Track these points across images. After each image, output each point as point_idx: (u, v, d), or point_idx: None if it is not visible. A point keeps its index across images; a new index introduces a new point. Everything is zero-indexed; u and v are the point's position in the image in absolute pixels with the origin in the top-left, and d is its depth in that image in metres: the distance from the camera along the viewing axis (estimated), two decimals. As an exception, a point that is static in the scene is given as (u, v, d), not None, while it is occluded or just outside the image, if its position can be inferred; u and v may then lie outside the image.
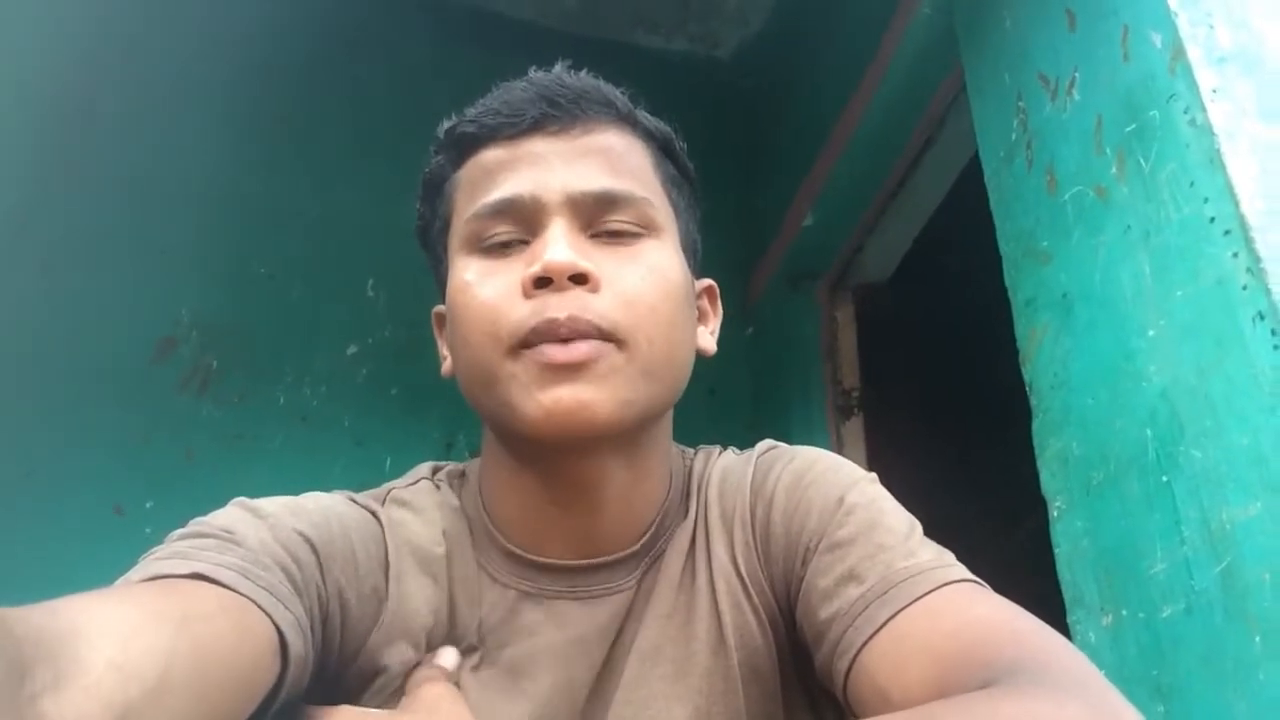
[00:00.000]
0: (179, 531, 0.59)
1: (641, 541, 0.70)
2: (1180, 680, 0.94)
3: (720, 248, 2.48)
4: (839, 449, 2.15)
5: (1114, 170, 1.14)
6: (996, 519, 2.09)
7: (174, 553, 0.56)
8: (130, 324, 2.09)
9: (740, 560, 0.69)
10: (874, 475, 0.71)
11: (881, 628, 0.58)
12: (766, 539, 0.68)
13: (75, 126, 2.16)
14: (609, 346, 0.62)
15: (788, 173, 2.31)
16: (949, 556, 0.63)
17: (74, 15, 2.18)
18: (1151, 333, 1.05)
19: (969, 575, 0.61)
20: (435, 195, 0.73)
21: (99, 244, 2.11)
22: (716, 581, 0.68)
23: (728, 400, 2.37)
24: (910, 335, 2.35)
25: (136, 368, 2.07)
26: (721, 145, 2.65)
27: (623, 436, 0.65)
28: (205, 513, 0.63)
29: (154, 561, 0.55)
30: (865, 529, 0.64)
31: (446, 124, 0.72)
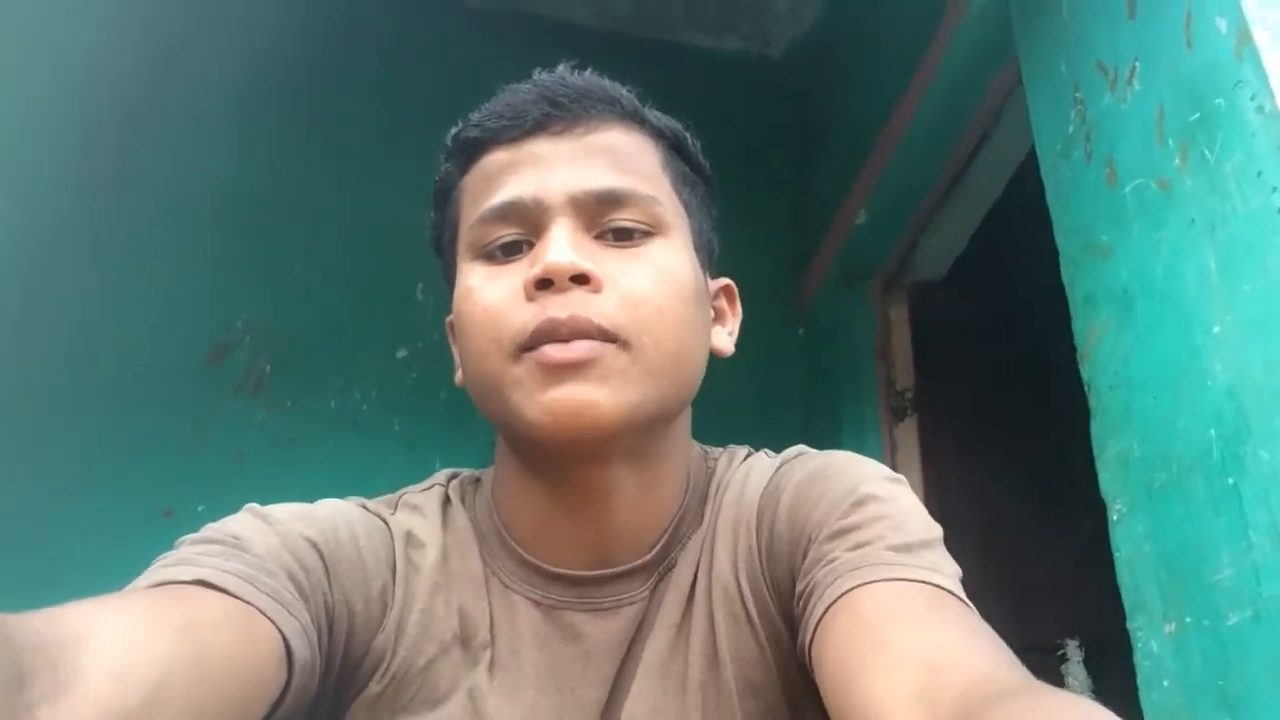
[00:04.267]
0: (191, 536, 0.59)
1: (654, 551, 0.68)
2: (1248, 690, 0.90)
3: (772, 247, 2.50)
4: (892, 451, 2.11)
5: (1177, 161, 1.10)
6: (1054, 522, 2.04)
7: (181, 559, 0.56)
8: (184, 329, 2.13)
9: (741, 568, 0.67)
10: (902, 478, 0.68)
11: (840, 598, 0.55)
12: (771, 540, 0.66)
13: (128, 133, 2.21)
14: (611, 347, 0.61)
15: (841, 170, 2.28)
16: (952, 571, 0.59)
17: (124, 23, 2.22)
18: (1217, 329, 1.01)
19: (962, 596, 0.57)
20: (444, 202, 0.73)
21: (153, 250, 2.15)
22: (714, 591, 0.66)
23: (778, 401, 2.35)
24: (966, 334, 2.31)
25: (190, 372, 2.11)
26: (773, 144, 2.64)
27: (631, 440, 0.64)
28: None
29: (162, 568, 0.55)
30: (872, 521, 0.61)
31: (453, 130, 0.72)
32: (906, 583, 0.56)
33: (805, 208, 2.52)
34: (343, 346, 2.23)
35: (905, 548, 0.58)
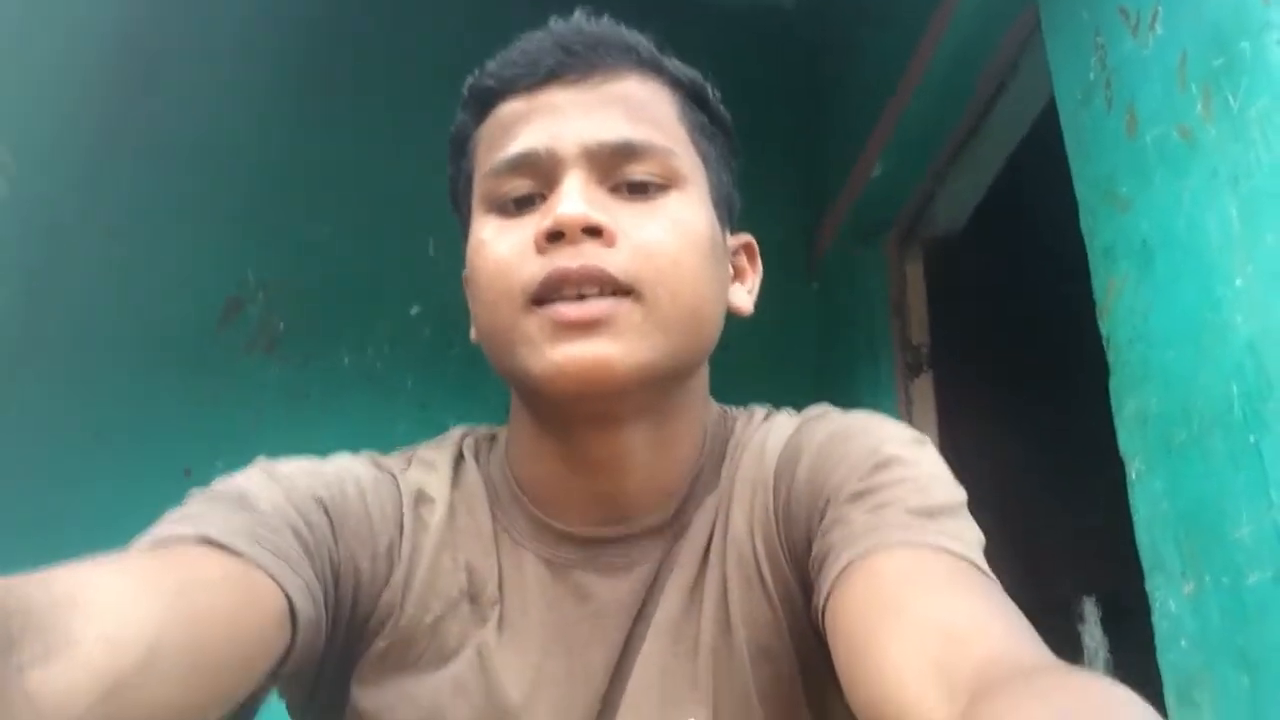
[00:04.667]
0: (199, 491, 0.59)
1: (667, 512, 0.67)
2: (1267, 650, 0.90)
3: (785, 201, 2.47)
4: (908, 407, 2.10)
5: (1199, 109, 1.08)
6: (1071, 480, 2.03)
7: (186, 515, 0.56)
8: (198, 286, 2.13)
9: (757, 530, 0.65)
10: (928, 439, 0.66)
11: (857, 561, 0.54)
12: (789, 501, 0.64)
13: (141, 91, 2.20)
14: (625, 301, 0.59)
15: (855, 123, 2.24)
16: (974, 539, 0.57)
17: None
18: (1239, 282, 0.99)
19: (983, 565, 0.55)
20: (460, 154, 0.71)
21: (165, 208, 2.15)
22: (729, 554, 0.65)
23: (791, 357, 2.34)
24: (983, 290, 2.29)
25: (205, 330, 2.12)
26: (787, 97, 2.60)
27: (645, 397, 0.62)
28: None
29: (166, 524, 0.55)
30: (894, 483, 0.58)
31: (469, 79, 0.70)
32: (927, 548, 0.54)
33: (819, 161, 2.49)
34: (356, 303, 2.23)
35: (927, 512, 0.57)
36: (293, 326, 2.18)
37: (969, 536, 0.57)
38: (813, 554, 0.59)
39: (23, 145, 2.04)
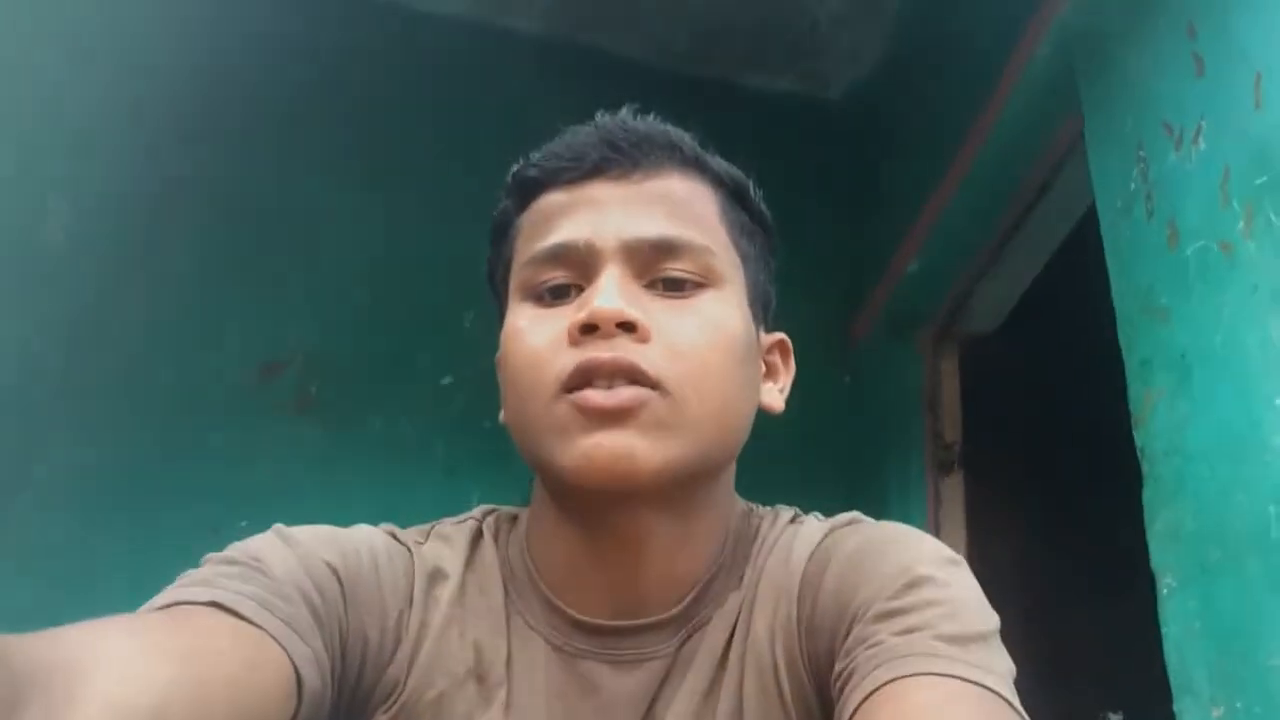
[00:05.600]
0: (214, 555, 0.59)
1: (682, 605, 0.66)
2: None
3: (822, 291, 2.48)
4: (937, 505, 2.07)
5: (1241, 225, 1.08)
6: (1102, 589, 1.98)
7: (200, 579, 0.56)
8: (236, 348, 2.16)
9: (779, 637, 0.64)
10: (962, 560, 0.64)
11: (883, 687, 0.52)
12: (814, 612, 0.62)
13: (188, 153, 2.25)
14: (654, 394, 0.59)
15: (895, 216, 2.26)
16: (1005, 670, 0.55)
17: (180, 47, 2.28)
18: (1279, 401, 0.98)
19: (1013, 699, 0.53)
20: (501, 239, 0.72)
21: (208, 269, 2.19)
22: (748, 659, 0.64)
23: (822, 449, 2.32)
24: (1017, 390, 2.27)
25: (240, 391, 2.14)
26: (828, 186, 2.62)
27: (669, 492, 0.62)
28: None
29: (178, 587, 0.55)
30: (925, 605, 0.56)
31: (514, 167, 0.71)
32: (956, 680, 0.52)
33: (857, 253, 2.50)
34: (390, 371, 2.25)
35: (958, 640, 0.55)
36: (326, 391, 2.20)
37: (1000, 668, 0.55)
38: (836, 670, 0.58)
39: (78, 196, 2.11)
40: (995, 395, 2.21)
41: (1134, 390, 1.24)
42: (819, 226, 2.53)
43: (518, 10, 2.59)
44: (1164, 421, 1.16)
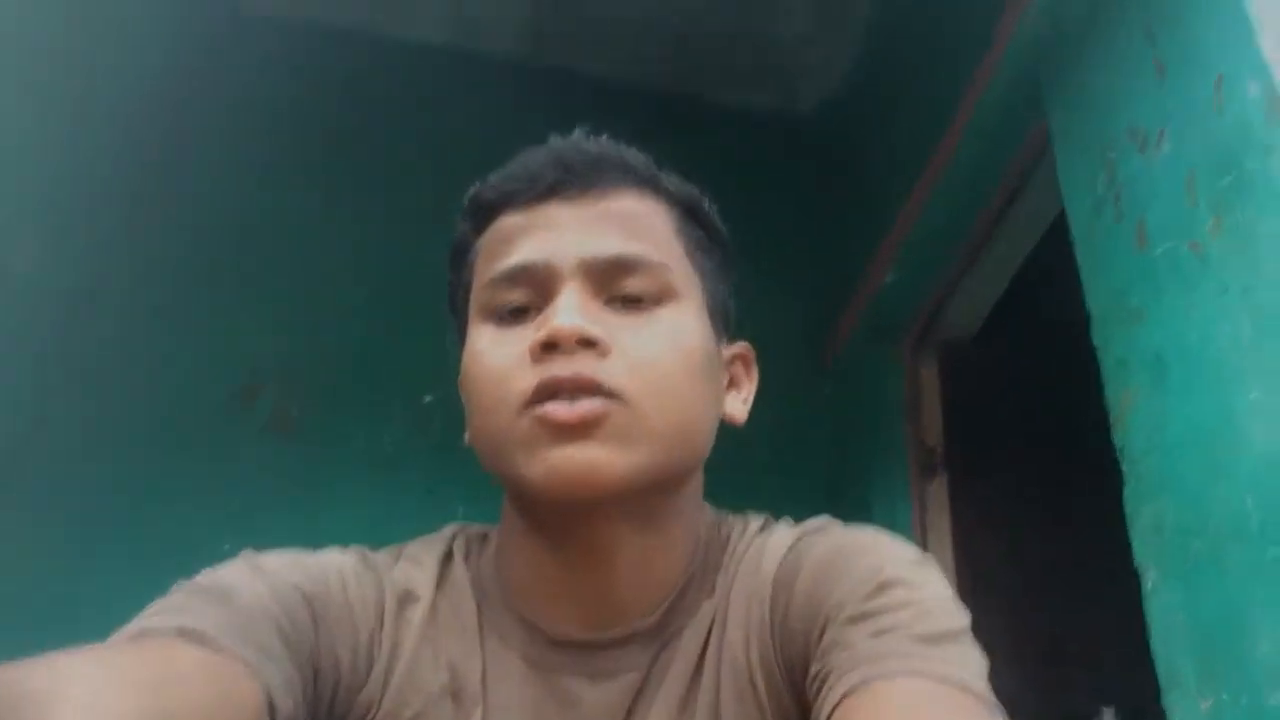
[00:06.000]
0: (184, 583, 0.59)
1: (656, 616, 0.67)
2: (1289, 772, 0.88)
3: (800, 301, 2.49)
4: (922, 511, 2.08)
5: (1209, 225, 1.10)
6: (1088, 586, 2.00)
7: (167, 608, 0.56)
8: (211, 370, 2.16)
9: (753, 643, 0.64)
10: (932, 559, 0.65)
11: (858, 689, 0.53)
12: (786, 616, 0.63)
13: (159, 176, 2.25)
14: (616, 405, 0.60)
15: (869, 228, 2.28)
16: (978, 668, 0.56)
17: (154, 68, 2.28)
18: (1254, 394, 1.00)
19: (988, 695, 0.54)
20: (460, 262, 0.73)
21: (184, 290, 2.19)
22: (723, 667, 0.64)
23: (804, 457, 2.33)
24: (997, 393, 2.28)
25: (219, 412, 2.13)
26: (802, 200, 2.65)
27: (634, 502, 0.63)
28: None
29: (147, 616, 0.55)
30: (897, 607, 0.58)
31: (471, 190, 0.72)
32: (931, 678, 0.53)
33: (833, 263, 2.52)
34: (370, 389, 2.25)
35: (931, 639, 0.56)
36: (307, 411, 2.20)
37: (974, 664, 0.56)
38: (810, 674, 0.59)
39: (46, 223, 2.09)
40: (976, 399, 2.22)
41: (1111, 390, 1.26)
42: (796, 239, 2.55)
43: (489, 34, 2.61)
44: (1142, 420, 1.18)
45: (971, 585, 1.96)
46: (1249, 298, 1.02)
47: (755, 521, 0.73)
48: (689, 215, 0.72)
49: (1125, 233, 1.25)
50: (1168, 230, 1.17)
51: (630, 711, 0.64)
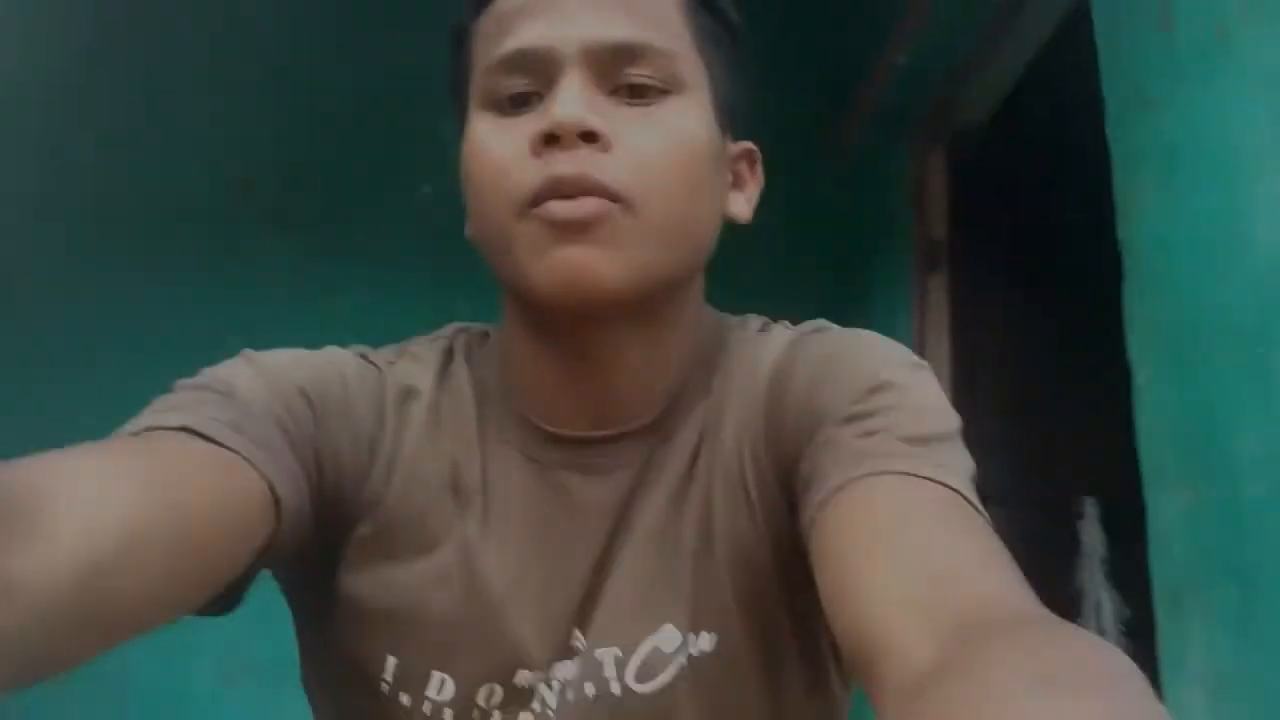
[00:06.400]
0: (185, 381, 0.59)
1: (654, 416, 0.67)
2: (1260, 563, 0.91)
3: (806, 88, 2.40)
4: (922, 301, 2.09)
5: (1237, 6, 1.04)
6: (1082, 380, 2.03)
7: (171, 405, 0.56)
8: (209, 163, 2.12)
9: (746, 443, 0.65)
10: (926, 364, 0.65)
11: (845, 486, 0.53)
12: (780, 418, 0.63)
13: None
14: (616, 207, 0.58)
15: (882, 9, 2.17)
16: (965, 471, 0.56)
17: None
18: (1264, 192, 0.98)
19: (974, 499, 0.54)
20: (459, 46, 0.69)
21: (179, 82, 2.13)
22: (715, 465, 0.65)
23: (809, 246, 2.32)
24: (1006, 185, 2.24)
25: (216, 208, 2.12)
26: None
27: (635, 304, 0.62)
28: None
29: (151, 413, 0.55)
30: (888, 409, 0.58)
31: None
32: (916, 479, 0.53)
33: (842, 48, 2.42)
34: (369, 182, 2.21)
35: (919, 440, 0.56)
36: (305, 205, 2.17)
37: (961, 467, 0.57)
38: (800, 473, 0.59)
39: (40, 19, 2.00)
40: (984, 191, 2.19)
41: (1120, 182, 1.23)
42: (804, 24, 2.43)
43: None
44: (1149, 213, 1.16)
45: (966, 379, 1.99)
46: (1271, 88, 0.98)
47: (754, 324, 0.73)
48: (700, 2, 0.68)
49: (1149, 14, 1.19)
50: (1194, 12, 1.11)
51: (625, 506, 0.66)
